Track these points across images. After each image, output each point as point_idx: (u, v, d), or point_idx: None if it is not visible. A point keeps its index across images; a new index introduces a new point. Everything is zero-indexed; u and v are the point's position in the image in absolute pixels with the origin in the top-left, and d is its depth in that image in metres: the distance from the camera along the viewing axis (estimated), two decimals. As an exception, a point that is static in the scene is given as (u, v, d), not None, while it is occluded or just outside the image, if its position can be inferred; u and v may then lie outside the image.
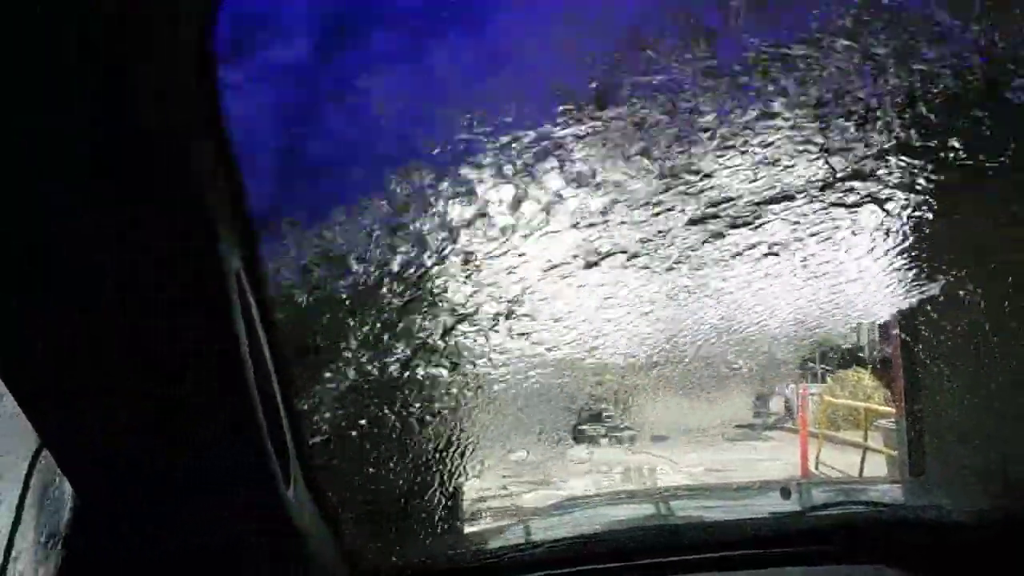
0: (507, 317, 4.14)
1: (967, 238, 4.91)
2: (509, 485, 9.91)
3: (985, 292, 4.70)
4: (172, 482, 0.99)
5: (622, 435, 15.61)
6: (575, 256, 4.02)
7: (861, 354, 27.04)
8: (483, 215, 3.06)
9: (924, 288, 5.44)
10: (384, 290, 3.15)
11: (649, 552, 1.42)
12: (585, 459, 12.28)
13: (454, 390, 4.34)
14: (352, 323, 3.05)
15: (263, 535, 1.07)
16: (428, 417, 4.22)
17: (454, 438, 4.68)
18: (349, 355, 3.01)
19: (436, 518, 4.47)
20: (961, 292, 4.94)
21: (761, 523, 1.54)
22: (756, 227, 3.58)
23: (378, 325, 3.12)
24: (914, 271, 5.67)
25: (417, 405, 3.93)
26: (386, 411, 3.50)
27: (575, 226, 3.55)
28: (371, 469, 3.29)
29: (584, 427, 15.62)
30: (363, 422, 3.24)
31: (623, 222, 3.54)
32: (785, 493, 1.78)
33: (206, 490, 0.99)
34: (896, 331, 5.79)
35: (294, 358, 2.27)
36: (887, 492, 2.51)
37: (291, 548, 1.11)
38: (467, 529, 5.83)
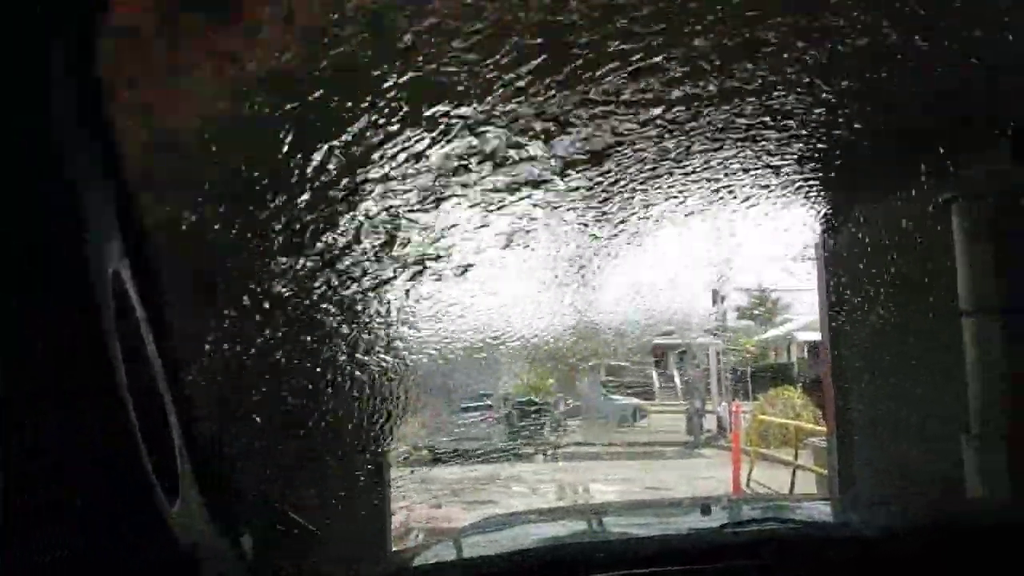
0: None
1: (891, 263, 5.04)
2: (440, 503, 9.74)
3: (910, 316, 4.83)
4: (47, 495, 0.91)
5: (558, 453, 15.63)
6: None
7: (790, 373, 27.83)
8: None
9: (853, 310, 5.58)
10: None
11: (578, 568, 1.42)
12: (520, 478, 12.22)
13: (373, 399, 4.21)
14: (253, 329, 2.88)
15: (148, 550, 0.98)
16: (346, 428, 4.12)
17: (375, 451, 4.54)
18: (251, 360, 2.86)
19: (357, 534, 4.32)
20: (888, 315, 5.06)
21: (686, 539, 1.60)
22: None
23: (283, 329, 3.04)
24: (840, 293, 5.82)
25: (332, 416, 3.81)
26: (297, 420, 3.41)
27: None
28: (280, 482, 3.16)
29: (519, 445, 15.69)
30: (268, 430, 3.11)
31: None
32: (705, 510, 1.84)
33: (77, 504, 0.92)
34: (826, 351, 5.87)
35: (188, 361, 2.11)
36: (812, 508, 2.48)
37: (180, 565, 1.03)
38: (392, 547, 5.70)
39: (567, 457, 14.99)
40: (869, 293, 5.15)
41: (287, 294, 3.12)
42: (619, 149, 3.36)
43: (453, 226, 3.50)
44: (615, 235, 4.01)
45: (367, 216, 3.11)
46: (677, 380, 23.70)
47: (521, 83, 2.65)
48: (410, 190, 3.08)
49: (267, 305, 2.98)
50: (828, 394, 5.93)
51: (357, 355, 4.37)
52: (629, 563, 1.36)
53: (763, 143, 3.64)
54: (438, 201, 3.20)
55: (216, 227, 2.64)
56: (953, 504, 2.16)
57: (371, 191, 3.02)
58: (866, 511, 2.42)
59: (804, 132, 3.82)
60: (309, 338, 3.59)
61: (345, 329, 3.84)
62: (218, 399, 2.72)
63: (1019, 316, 3.64)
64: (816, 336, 26.34)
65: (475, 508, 9.79)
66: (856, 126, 3.72)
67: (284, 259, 2.97)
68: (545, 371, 20.62)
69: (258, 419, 3.05)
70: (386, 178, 2.94)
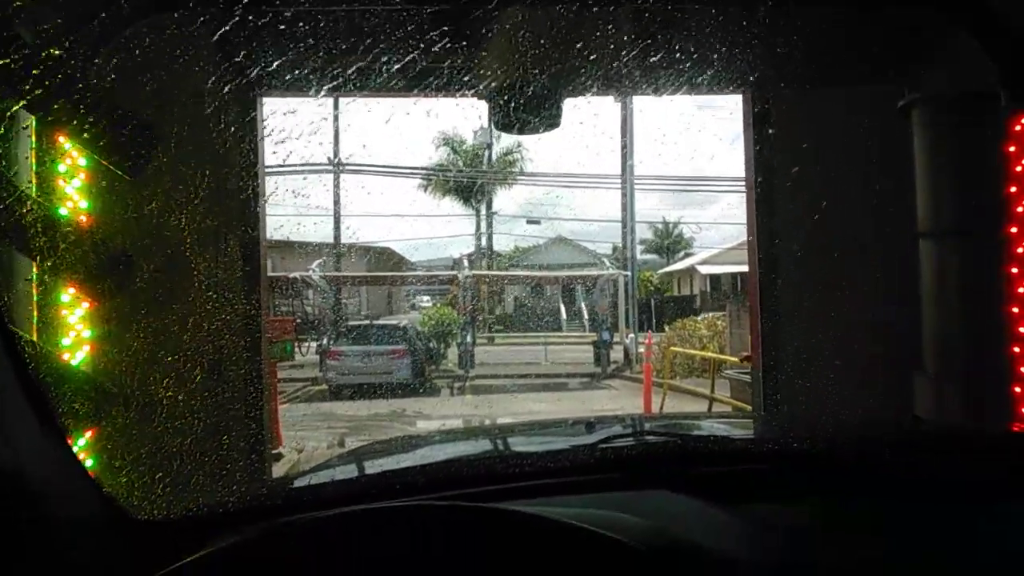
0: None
1: (835, 178, 4.69)
2: (341, 438, 9.26)
3: (855, 238, 4.49)
4: None
5: (465, 387, 15.35)
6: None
7: (694, 304, 28.47)
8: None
9: (788, 232, 5.22)
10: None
11: (464, 482, 1.41)
12: (424, 413, 11.88)
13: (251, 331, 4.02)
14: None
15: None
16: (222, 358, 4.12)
17: (254, 382, 4.32)
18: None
19: (233, 464, 4.10)
20: (829, 238, 4.72)
21: (564, 454, 1.63)
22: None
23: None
24: (772, 214, 5.46)
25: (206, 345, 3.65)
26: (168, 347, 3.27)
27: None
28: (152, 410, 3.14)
29: (425, 380, 15.36)
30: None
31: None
32: (589, 427, 1.85)
33: None
34: (755, 276, 5.50)
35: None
36: (699, 424, 2.47)
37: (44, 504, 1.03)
38: (272, 474, 5.53)
39: (474, 391, 14.68)
40: (807, 211, 4.78)
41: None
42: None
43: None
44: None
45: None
46: (584, 312, 23.72)
47: None
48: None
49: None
50: (754, 324, 5.57)
51: (232, 274, 4.12)
52: (514, 477, 1.36)
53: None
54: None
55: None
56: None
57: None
58: (762, 429, 2.46)
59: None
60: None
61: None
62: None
63: (988, 239, 3.26)
64: (717, 269, 27.00)
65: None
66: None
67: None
68: (451, 306, 20.36)
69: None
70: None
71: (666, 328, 18.31)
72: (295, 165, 16.78)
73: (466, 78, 4.34)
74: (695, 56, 4.65)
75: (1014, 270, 2.96)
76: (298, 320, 17.04)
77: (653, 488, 1.29)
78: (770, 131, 5.17)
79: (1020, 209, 2.98)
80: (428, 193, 28.15)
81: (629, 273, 20.41)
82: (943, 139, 3.56)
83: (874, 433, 1.79)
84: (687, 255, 38.18)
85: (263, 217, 4.96)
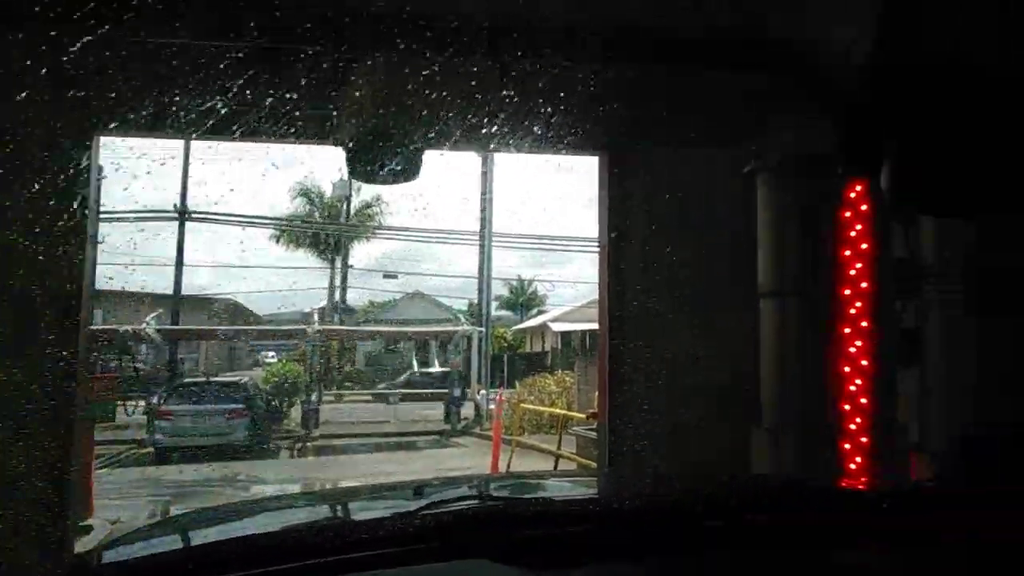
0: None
1: (681, 243, 4.83)
2: (166, 507, 8.48)
3: (699, 299, 4.62)
4: None
5: (307, 448, 14.62)
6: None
7: (545, 361, 28.88)
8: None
9: (636, 293, 5.32)
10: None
11: (280, 555, 1.29)
12: (261, 477, 11.17)
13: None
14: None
15: None
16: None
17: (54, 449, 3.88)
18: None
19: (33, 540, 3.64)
20: (674, 298, 4.84)
21: (386, 523, 1.52)
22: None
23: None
24: (621, 274, 5.56)
25: None
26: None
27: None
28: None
29: (263, 440, 14.47)
30: None
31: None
32: (418, 491, 1.78)
33: None
34: (605, 336, 5.54)
35: None
36: (536, 486, 2.39)
37: None
38: (85, 544, 4.99)
39: (317, 452, 14.00)
40: (655, 271, 4.88)
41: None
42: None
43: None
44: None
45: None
46: (437, 368, 23.47)
47: None
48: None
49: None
50: (602, 382, 5.60)
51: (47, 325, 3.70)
52: (326, 551, 1.28)
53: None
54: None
55: None
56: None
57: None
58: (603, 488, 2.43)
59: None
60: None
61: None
62: None
63: (823, 300, 3.40)
64: (569, 327, 27.58)
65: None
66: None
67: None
68: (298, 362, 19.53)
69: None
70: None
71: (517, 384, 18.36)
72: (137, 211, 15.72)
73: (324, 124, 4.14)
74: (553, 116, 4.71)
75: (846, 330, 3.09)
76: (127, 377, 15.69)
77: (475, 556, 1.25)
78: (623, 192, 5.29)
79: (852, 272, 3.12)
80: (281, 244, 27.25)
81: (483, 329, 20.44)
82: (784, 204, 3.72)
83: (702, 488, 1.78)
84: (540, 312, 38.93)
85: (90, 265, 4.48)
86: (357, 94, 3.52)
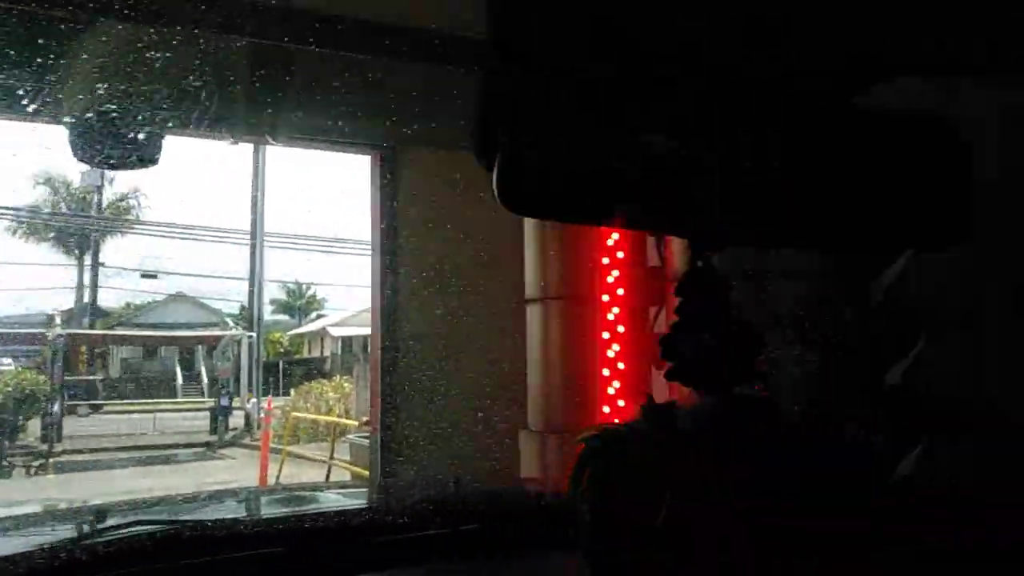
0: None
1: (451, 251, 4.84)
2: None
3: (469, 305, 4.64)
4: None
5: (48, 463, 13.06)
6: None
7: (323, 367, 28.06)
8: None
9: (408, 299, 5.25)
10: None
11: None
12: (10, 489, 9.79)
13: None
14: None
15: None
16: None
17: None
18: None
19: None
20: (445, 305, 4.83)
21: (52, 551, 1.37)
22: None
23: None
24: (394, 282, 5.48)
25: None
26: None
27: None
28: None
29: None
30: None
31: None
32: (100, 515, 1.67)
33: None
34: (377, 342, 5.42)
35: None
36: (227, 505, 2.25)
37: None
38: None
39: (59, 469, 12.52)
40: (428, 275, 4.84)
41: None
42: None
43: None
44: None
45: None
46: (204, 375, 21.95)
47: None
48: None
49: None
50: (374, 388, 5.46)
51: None
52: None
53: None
54: None
55: None
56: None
57: None
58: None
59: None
60: None
61: None
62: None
63: (581, 304, 3.50)
64: (349, 331, 27.08)
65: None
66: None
67: None
68: (37, 369, 17.39)
69: None
70: None
71: (293, 392, 17.63)
72: None
73: (45, 99, 3.64)
74: (326, 108, 4.50)
75: (604, 335, 3.20)
76: None
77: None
78: (394, 194, 5.19)
79: (610, 280, 3.25)
80: (16, 236, 24.14)
81: (254, 334, 19.41)
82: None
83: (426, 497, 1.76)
84: (319, 316, 37.79)
85: None
86: (81, 65, 3.12)
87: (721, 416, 0.80)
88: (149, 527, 1.51)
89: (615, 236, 3.32)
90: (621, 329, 3.20)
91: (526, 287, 3.86)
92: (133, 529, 1.49)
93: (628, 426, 0.85)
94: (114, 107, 3.25)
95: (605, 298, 3.25)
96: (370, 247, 5.65)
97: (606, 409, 3.15)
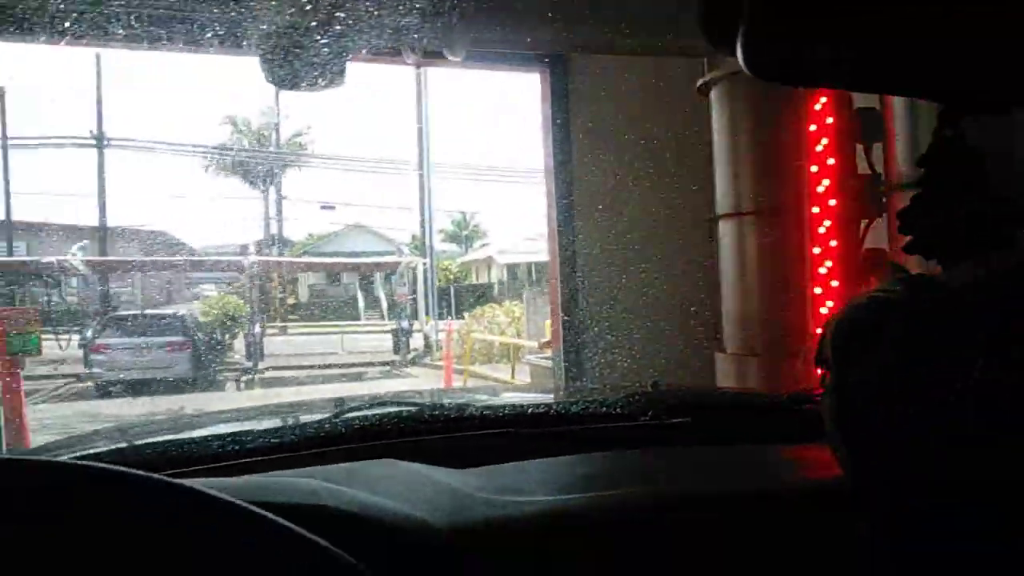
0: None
1: (634, 160, 4.65)
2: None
3: (654, 222, 4.47)
4: None
5: (254, 379, 14.34)
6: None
7: (492, 292, 28.83)
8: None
9: (588, 218, 5.14)
10: None
11: (194, 460, 1.28)
12: (208, 409, 10.90)
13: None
14: None
15: None
16: None
17: None
18: None
19: None
20: (630, 222, 4.68)
21: (302, 428, 1.51)
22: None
23: None
24: (570, 201, 5.38)
25: None
26: None
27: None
28: None
29: (210, 373, 14.14)
30: None
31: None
32: (338, 404, 1.77)
33: None
34: (555, 262, 5.37)
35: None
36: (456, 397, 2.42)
37: None
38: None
39: (264, 384, 13.74)
40: (607, 195, 4.69)
41: None
42: None
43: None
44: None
45: None
46: (383, 300, 23.18)
47: None
48: None
49: None
50: (554, 309, 5.46)
51: None
52: (241, 454, 1.32)
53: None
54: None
55: None
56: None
57: None
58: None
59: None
60: None
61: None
62: None
63: (782, 218, 3.25)
64: (515, 258, 27.55)
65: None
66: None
67: None
68: (238, 294, 19.03)
69: None
70: None
71: (465, 316, 18.24)
72: (47, 137, 14.80)
73: (235, 29, 3.78)
74: (493, 25, 4.39)
75: (816, 250, 2.96)
76: (55, 310, 15.02)
77: (387, 456, 1.24)
78: (567, 112, 5.04)
79: (820, 189, 2.98)
80: (209, 174, 26.24)
81: (428, 261, 20.16)
82: (743, 118, 3.54)
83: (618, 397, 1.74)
84: (484, 245, 38.67)
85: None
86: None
87: (990, 287, 0.73)
88: (392, 408, 1.62)
89: (824, 142, 3.03)
90: (834, 244, 2.95)
91: (717, 201, 3.64)
92: (376, 411, 1.59)
93: (887, 296, 0.77)
94: (303, 31, 3.32)
95: (815, 210, 2.99)
96: (542, 169, 5.58)
97: (819, 331, 2.93)
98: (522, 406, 1.68)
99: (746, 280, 3.45)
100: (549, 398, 2.26)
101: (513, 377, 9.79)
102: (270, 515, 0.72)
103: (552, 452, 1.31)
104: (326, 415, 1.56)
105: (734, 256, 3.54)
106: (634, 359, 4.44)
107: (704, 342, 3.79)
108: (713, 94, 3.67)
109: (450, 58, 3.74)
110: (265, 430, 1.56)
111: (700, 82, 3.73)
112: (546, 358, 7.98)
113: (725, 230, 3.58)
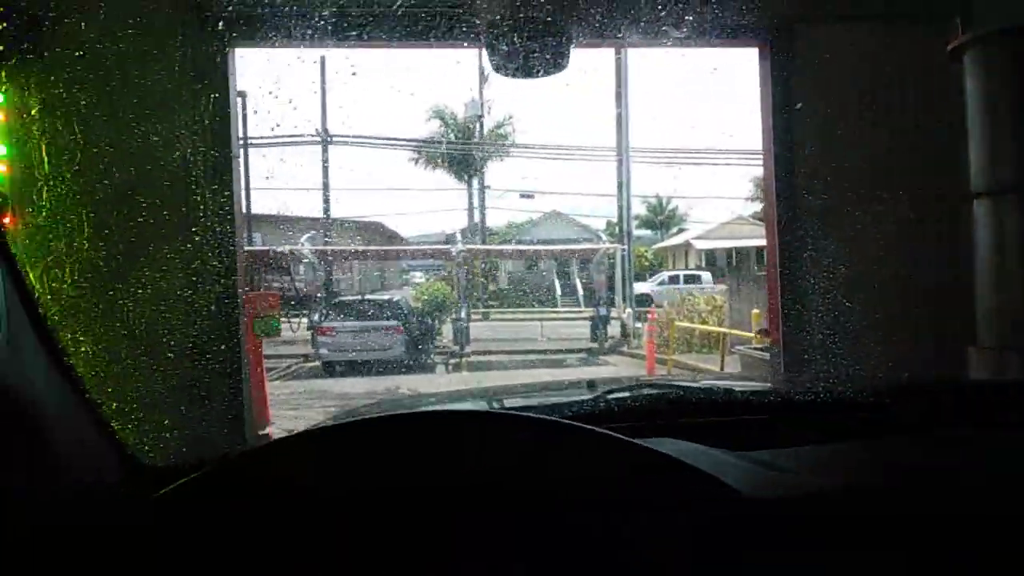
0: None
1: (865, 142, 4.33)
2: (331, 413, 8.93)
3: (891, 202, 4.14)
4: None
5: (461, 363, 15.03)
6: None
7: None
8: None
9: (813, 198, 4.86)
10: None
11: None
12: (423, 389, 11.58)
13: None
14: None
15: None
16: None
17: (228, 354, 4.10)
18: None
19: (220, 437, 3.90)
20: (859, 204, 4.37)
21: (565, 406, 1.53)
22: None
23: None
24: (794, 181, 5.10)
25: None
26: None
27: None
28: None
29: (420, 356, 15.01)
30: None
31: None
32: (591, 385, 1.84)
33: None
34: (774, 247, 5.14)
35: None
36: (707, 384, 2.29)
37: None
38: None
39: (471, 367, 14.35)
40: (835, 173, 4.39)
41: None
42: None
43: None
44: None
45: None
46: (579, 286, 23.38)
47: None
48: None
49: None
50: (774, 298, 5.22)
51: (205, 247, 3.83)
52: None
53: None
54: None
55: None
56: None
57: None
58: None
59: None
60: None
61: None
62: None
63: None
64: (713, 244, 26.73)
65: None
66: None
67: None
68: (445, 281, 20.01)
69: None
70: None
71: (664, 303, 17.97)
72: (278, 137, 16.31)
73: (456, 22, 3.94)
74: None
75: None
76: (291, 295, 16.59)
77: (655, 436, 1.26)
78: (787, 79, 4.76)
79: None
80: (418, 166, 27.71)
81: (625, 247, 20.05)
82: (1003, 85, 3.18)
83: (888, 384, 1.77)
84: (681, 231, 37.82)
85: (238, 188, 4.59)
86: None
87: None
88: (654, 390, 1.66)
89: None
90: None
91: (972, 179, 3.31)
92: (637, 392, 1.63)
93: None
94: (529, 19, 3.41)
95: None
96: (749, 151, 5.33)
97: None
98: (786, 393, 1.69)
99: (1006, 266, 3.11)
100: (802, 387, 2.24)
101: (722, 369, 9.47)
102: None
103: (817, 440, 1.30)
104: (585, 396, 1.62)
105: (991, 239, 3.21)
106: (868, 353, 4.13)
107: (953, 337, 3.47)
108: (967, 58, 3.33)
109: (673, 35, 3.68)
110: (528, 407, 1.66)
111: (952, 45, 3.40)
112: (759, 349, 7.65)
113: (981, 211, 3.25)
